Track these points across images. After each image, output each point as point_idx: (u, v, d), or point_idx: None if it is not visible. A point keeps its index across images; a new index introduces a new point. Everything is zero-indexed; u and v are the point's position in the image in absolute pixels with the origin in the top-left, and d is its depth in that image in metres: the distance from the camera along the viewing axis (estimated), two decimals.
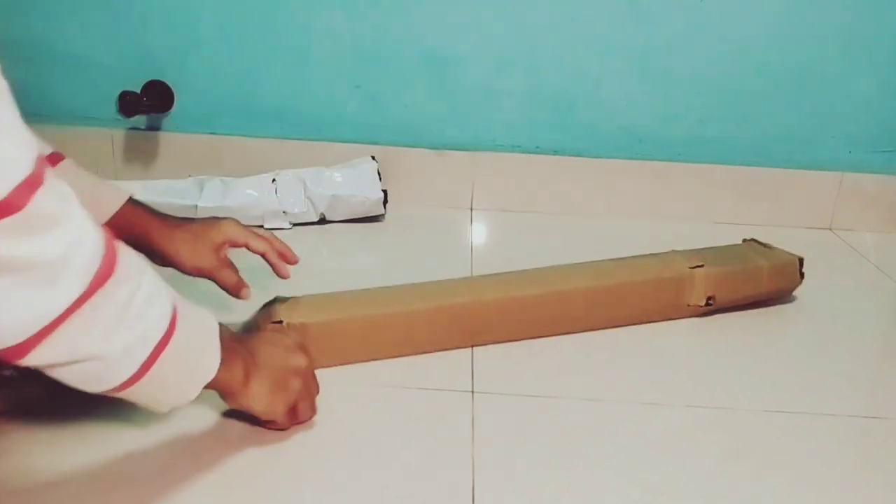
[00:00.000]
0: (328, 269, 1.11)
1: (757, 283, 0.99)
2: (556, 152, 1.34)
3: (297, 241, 1.20)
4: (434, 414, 0.76)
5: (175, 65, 1.29)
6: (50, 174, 0.44)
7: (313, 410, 0.72)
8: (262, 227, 1.22)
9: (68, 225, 0.45)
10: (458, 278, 0.94)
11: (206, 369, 0.60)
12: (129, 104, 1.25)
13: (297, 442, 0.70)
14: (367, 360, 0.84)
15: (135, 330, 0.51)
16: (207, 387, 0.61)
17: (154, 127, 1.33)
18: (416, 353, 0.85)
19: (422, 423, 0.74)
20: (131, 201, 0.80)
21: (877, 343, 0.98)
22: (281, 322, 0.79)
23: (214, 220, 0.83)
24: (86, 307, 0.46)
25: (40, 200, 0.42)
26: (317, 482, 0.65)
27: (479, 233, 1.27)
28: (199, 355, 0.59)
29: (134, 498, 0.62)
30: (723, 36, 1.26)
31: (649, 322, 0.95)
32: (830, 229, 1.36)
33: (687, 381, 0.84)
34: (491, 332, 0.88)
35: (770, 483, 0.68)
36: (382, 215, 1.29)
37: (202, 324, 0.60)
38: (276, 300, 0.85)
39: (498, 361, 0.86)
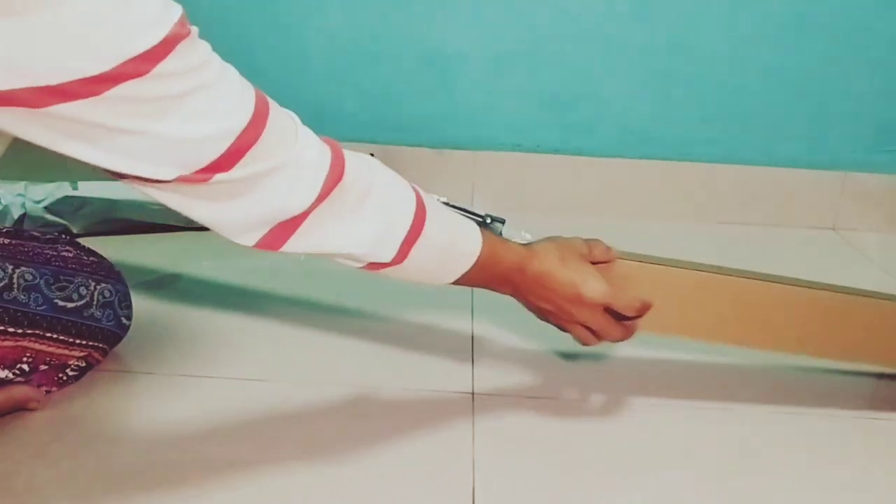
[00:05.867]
0: (328, 270, 1.10)
1: None
2: (556, 151, 1.33)
3: None
4: (435, 415, 0.75)
5: None
6: (273, 104, 0.55)
7: (620, 334, 0.71)
8: None
9: (294, 142, 0.55)
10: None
11: (459, 266, 0.67)
12: None
13: (298, 441, 0.69)
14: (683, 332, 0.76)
15: (376, 225, 0.60)
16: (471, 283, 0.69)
17: None
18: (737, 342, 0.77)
19: (422, 425, 0.73)
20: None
21: None
22: None
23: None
24: (320, 209, 0.57)
25: (270, 127, 0.53)
26: (317, 482, 0.64)
27: None
28: (453, 252, 0.66)
29: (132, 499, 0.61)
30: (725, 35, 1.26)
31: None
32: (833, 229, 1.35)
33: (688, 381, 0.84)
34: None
35: (772, 483, 0.68)
36: None
37: (457, 226, 0.67)
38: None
39: (498, 363, 0.86)
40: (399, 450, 0.69)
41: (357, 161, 0.60)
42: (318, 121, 1.41)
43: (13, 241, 0.72)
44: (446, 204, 0.84)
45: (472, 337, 0.91)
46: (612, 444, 0.72)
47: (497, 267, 0.69)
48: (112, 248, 0.86)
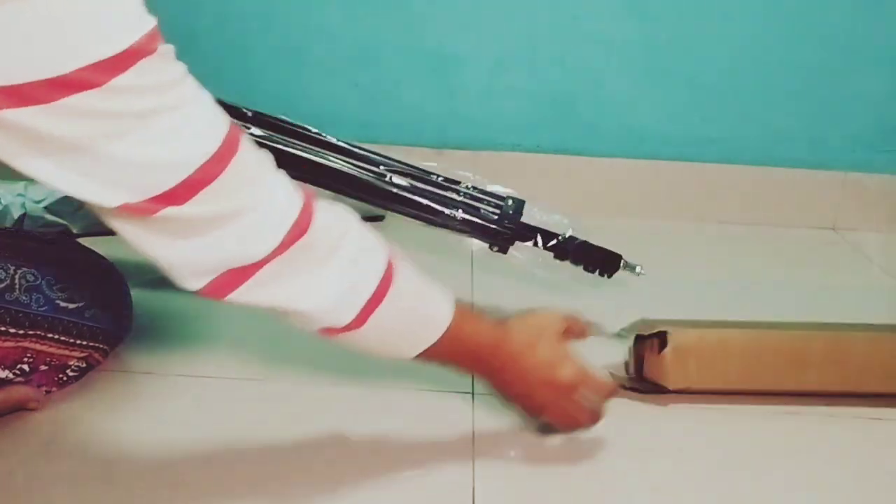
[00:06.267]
0: None
1: None
2: (556, 151, 1.33)
3: None
4: (434, 415, 0.75)
5: None
6: (246, 143, 0.50)
7: (589, 419, 0.67)
8: None
9: (260, 187, 0.51)
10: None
11: (424, 337, 0.61)
12: None
13: (297, 440, 0.69)
14: (746, 388, 0.79)
15: (337, 286, 0.55)
16: (437, 359, 0.63)
17: None
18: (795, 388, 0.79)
19: (422, 425, 0.73)
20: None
21: None
22: (666, 334, 0.76)
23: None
24: (279, 260, 0.52)
25: (236, 166, 0.49)
26: (317, 482, 0.64)
27: None
28: (419, 317, 0.61)
29: (132, 499, 0.61)
30: (726, 34, 1.26)
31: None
32: (833, 229, 1.35)
33: None
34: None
35: (771, 483, 0.68)
36: (383, 216, 1.28)
37: (428, 293, 0.62)
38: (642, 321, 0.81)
39: None
40: (399, 450, 0.69)
41: (329, 214, 0.56)
42: (318, 121, 1.41)
43: (15, 242, 0.72)
44: (468, 188, 0.85)
45: None
46: (612, 444, 0.72)
47: (467, 343, 0.64)
48: (112, 248, 0.86)
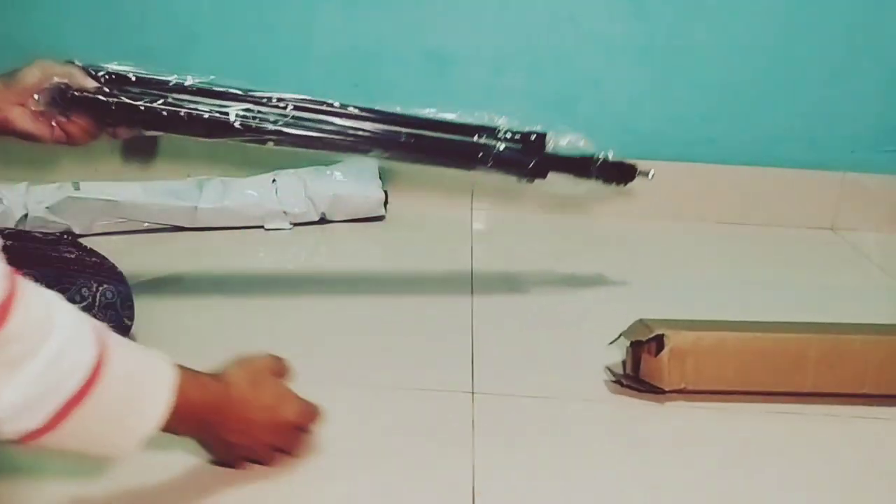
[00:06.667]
0: (329, 270, 1.11)
1: None
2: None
3: (297, 242, 1.20)
4: (434, 415, 0.75)
5: (174, 64, 1.28)
6: None
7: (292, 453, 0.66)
8: (262, 227, 1.21)
9: None
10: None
11: (142, 425, 0.55)
12: None
13: None
14: (743, 391, 0.80)
15: (23, 392, 0.47)
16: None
17: None
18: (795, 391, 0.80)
19: (422, 424, 0.74)
20: None
21: None
22: (663, 336, 0.77)
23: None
24: None
25: None
26: (317, 481, 0.64)
27: (479, 233, 1.27)
28: (133, 411, 0.54)
29: (133, 498, 0.62)
30: (725, 35, 1.26)
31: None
32: (832, 229, 1.35)
33: None
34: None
35: (770, 483, 0.68)
36: (383, 216, 1.28)
37: (143, 378, 0.56)
38: (641, 321, 0.81)
39: (498, 363, 0.86)
40: (399, 450, 0.69)
41: (31, 311, 0.47)
42: None
43: (15, 243, 0.72)
44: (494, 129, 0.93)
45: (472, 337, 0.91)
46: (612, 444, 0.72)
47: (192, 415, 0.59)
48: (114, 249, 0.86)
